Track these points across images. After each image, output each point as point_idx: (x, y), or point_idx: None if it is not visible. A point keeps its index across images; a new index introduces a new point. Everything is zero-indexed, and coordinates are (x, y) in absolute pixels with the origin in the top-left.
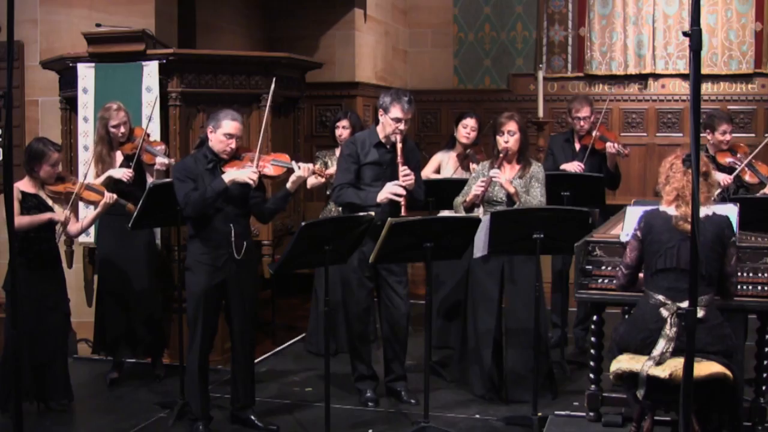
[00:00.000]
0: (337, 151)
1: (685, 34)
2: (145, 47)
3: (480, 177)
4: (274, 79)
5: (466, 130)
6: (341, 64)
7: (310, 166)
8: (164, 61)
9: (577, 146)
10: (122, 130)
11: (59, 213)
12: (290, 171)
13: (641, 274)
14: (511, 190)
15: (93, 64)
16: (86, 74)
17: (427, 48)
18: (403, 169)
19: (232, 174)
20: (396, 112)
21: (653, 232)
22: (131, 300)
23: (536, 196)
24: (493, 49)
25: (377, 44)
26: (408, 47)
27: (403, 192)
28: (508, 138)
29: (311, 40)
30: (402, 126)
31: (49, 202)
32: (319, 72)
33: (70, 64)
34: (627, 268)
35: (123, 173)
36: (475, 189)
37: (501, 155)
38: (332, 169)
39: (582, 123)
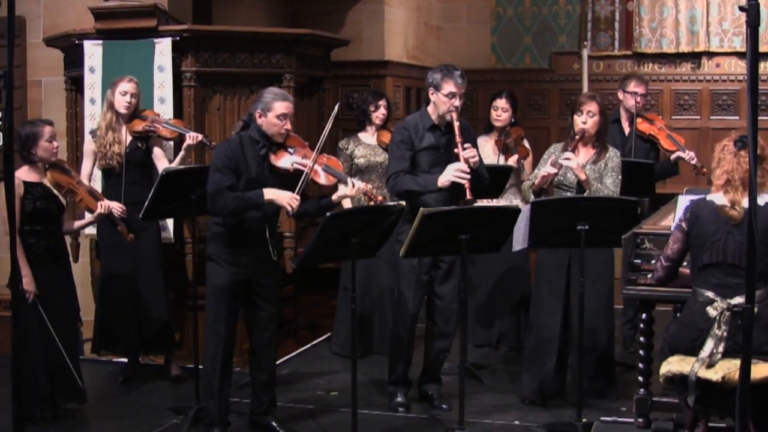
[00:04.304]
0: (361, 136)
1: (741, 8)
2: (157, 23)
3: (551, 159)
4: (337, 106)
5: (497, 111)
6: (369, 41)
7: (362, 186)
8: (178, 38)
9: (626, 128)
10: (128, 99)
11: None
12: (340, 181)
13: (684, 270)
14: (582, 176)
15: (100, 42)
16: (93, 52)
17: (463, 24)
18: (466, 147)
19: (273, 194)
20: (449, 87)
21: (699, 224)
22: (135, 296)
23: (608, 186)
24: (534, 25)
25: (408, 20)
26: (442, 23)
27: (468, 172)
28: (587, 119)
29: (337, 15)
30: (457, 102)
31: (54, 191)
32: (346, 50)
33: (76, 42)
34: (667, 260)
35: (115, 208)
36: (543, 171)
37: (576, 137)
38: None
39: (638, 99)
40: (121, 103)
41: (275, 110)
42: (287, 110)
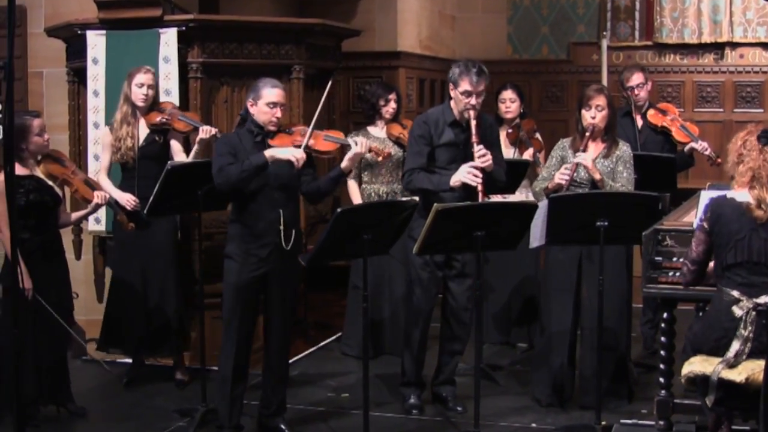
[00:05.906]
0: (371, 129)
1: None
2: (162, 12)
3: (559, 156)
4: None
5: (504, 104)
6: (381, 31)
7: (367, 142)
8: (183, 28)
9: (639, 122)
10: (145, 91)
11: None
12: (344, 148)
13: (712, 264)
14: (597, 176)
15: (104, 32)
16: (96, 43)
17: (478, 13)
18: (478, 149)
19: (274, 150)
20: (465, 85)
21: (721, 223)
22: (144, 295)
23: (622, 182)
24: (552, 15)
25: (422, 9)
26: (456, 12)
27: (480, 175)
28: (596, 113)
29: (348, 4)
30: (473, 101)
31: (48, 182)
32: (357, 40)
33: (79, 32)
34: (693, 264)
35: (126, 200)
36: (559, 177)
37: (587, 133)
38: (391, 149)
39: (638, 91)
40: (138, 95)
41: (264, 98)
42: (277, 98)
